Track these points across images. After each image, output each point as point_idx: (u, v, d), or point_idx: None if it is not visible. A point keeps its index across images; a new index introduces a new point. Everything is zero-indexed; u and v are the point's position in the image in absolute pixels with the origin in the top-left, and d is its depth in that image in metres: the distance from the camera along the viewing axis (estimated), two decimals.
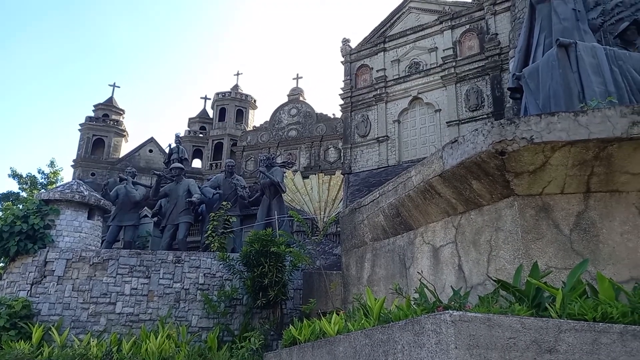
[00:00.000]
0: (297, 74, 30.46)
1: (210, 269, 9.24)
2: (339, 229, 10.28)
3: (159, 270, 9.05)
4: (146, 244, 13.50)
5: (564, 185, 3.52)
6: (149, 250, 11.26)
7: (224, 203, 11.07)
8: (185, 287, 8.98)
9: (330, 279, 7.87)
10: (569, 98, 5.22)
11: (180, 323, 8.57)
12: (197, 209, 11.62)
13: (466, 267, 4.07)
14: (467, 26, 14.14)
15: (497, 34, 13.33)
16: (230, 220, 11.20)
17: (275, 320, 8.28)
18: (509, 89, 8.21)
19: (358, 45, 16.42)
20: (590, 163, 3.35)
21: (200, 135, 32.65)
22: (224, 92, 32.20)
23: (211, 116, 32.87)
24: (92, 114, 31.64)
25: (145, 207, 14.27)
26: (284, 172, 13.44)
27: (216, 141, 30.69)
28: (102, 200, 10.36)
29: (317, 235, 10.72)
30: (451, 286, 3.97)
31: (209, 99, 33.94)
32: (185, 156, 17.13)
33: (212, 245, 10.12)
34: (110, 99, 32.59)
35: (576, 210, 3.49)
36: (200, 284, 9.06)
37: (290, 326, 5.03)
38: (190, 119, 33.95)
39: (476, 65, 13.50)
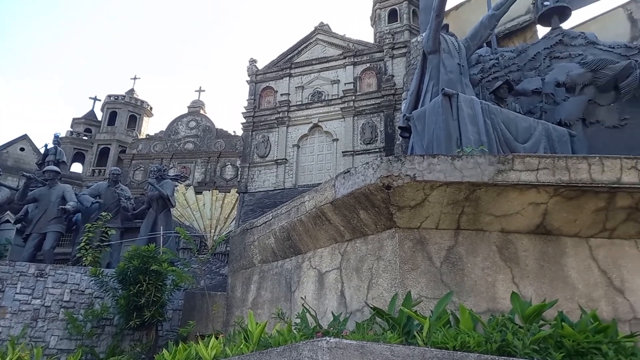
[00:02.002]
0: (200, 87, 29.84)
1: (79, 285, 8.36)
2: (228, 248, 10.03)
3: (16, 284, 7.96)
4: (4, 253, 11.83)
5: (439, 221, 3.83)
6: (7, 260, 9.87)
7: (104, 213, 10.18)
8: (46, 304, 7.99)
9: (213, 300, 7.59)
10: (449, 143, 5.77)
11: (35, 344, 7.57)
12: (71, 217, 10.53)
13: (348, 293, 4.20)
14: (368, 65, 15.08)
15: (393, 76, 14.40)
16: (109, 232, 10.32)
17: (149, 342, 7.72)
18: (399, 127, 8.86)
19: (265, 67, 16.57)
20: (462, 203, 3.70)
21: (85, 138, 29.98)
22: (117, 95, 30.13)
23: (100, 119, 30.41)
24: None
25: (8, 212, 12.56)
26: (176, 186, 12.83)
27: (102, 146, 28.41)
28: None
29: (205, 254, 10.33)
30: (332, 312, 4.06)
31: (99, 100, 31.47)
32: (63, 159, 15.54)
33: (85, 259, 9.19)
34: None
35: (447, 245, 3.81)
36: (65, 302, 8.14)
37: (164, 350, 4.72)
38: (74, 119, 31.07)
39: (373, 102, 14.39)
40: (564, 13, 10.35)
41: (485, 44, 9.45)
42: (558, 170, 3.51)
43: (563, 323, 2.71)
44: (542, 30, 11.32)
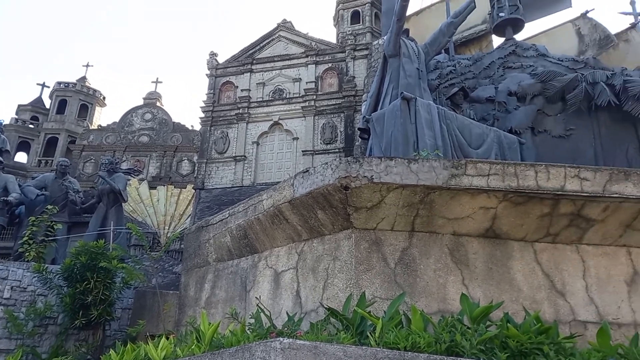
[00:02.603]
0: (157, 78, 28.93)
1: (20, 281, 7.90)
2: (182, 246, 9.80)
3: None
4: None
5: (394, 222, 3.91)
6: None
7: (50, 207, 9.68)
8: None
9: (165, 299, 7.39)
10: (406, 146, 5.89)
11: None
12: (14, 210, 9.95)
13: (303, 293, 4.21)
14: (330, 65, 15.15)
15: (354, 77, 14.54)
16: (55, 227, 9.83)
17: (95, 342, 7.42)
18: (359, 129, 8.96)
19: (225, 61, 16.29)
20: (417, 206, 3.79)
21: (31, 126, 28.39)
22: (68, 83, 28.73)
23: (48, 107, 28.90)
24: None
25: None
26: (128, 180, 12.40)
27: (50, 135, 27.03)
28: None
29: (158, 251, 10.04)
30: (287, 312, 4.05)
31: (48, 87, 29.87)
32: (7, 147, 14.63)
33: (28, 254, 8.71)
34: None
35: (402, 247, 3.90)
36: (5, 299, 7.67)
37: (111, 351, 4.54)
38: (20, 105, 29.36)
39: (334, 102, 14.47)
40: (518, 25, 10.81)
41: (443, 51, 9.72)
42: (507, 177, 3.67)
43: (508, 324, 2.83)
44: (497, 40, 11.78)
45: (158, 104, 27.05)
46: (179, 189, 19.02)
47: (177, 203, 18.15)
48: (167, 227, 17.08)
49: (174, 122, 25.81)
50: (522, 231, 3.91)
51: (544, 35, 12.36)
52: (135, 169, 16.93)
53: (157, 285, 7.78)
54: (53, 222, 9.71)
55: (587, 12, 12.20)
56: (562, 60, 9.13)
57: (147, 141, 24.93)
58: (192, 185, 16.19)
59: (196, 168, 16.15)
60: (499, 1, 11.04)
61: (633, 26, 12.11)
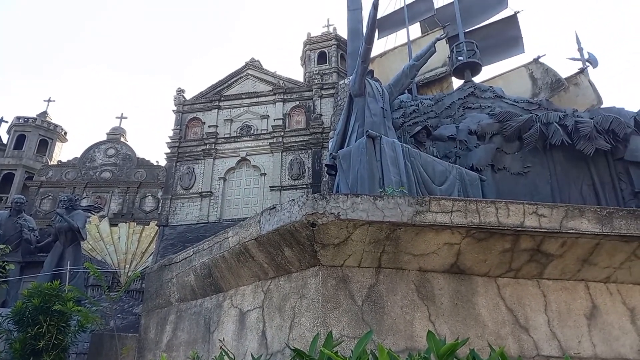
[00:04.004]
0: (122, 114, 28.45)
1: None
2: (144, 285, 9.42)
3: None
4: None
5: (361, 259, 3.91)
6: None
7: (2, 246, 9.18)
8: None
9: (123, 343, 7.02)
10: (372, 183, 5.99)
11: None
12: None
13: (269, 333, 4.09)
14: (297, 102, 15.42)
15: (321, 115, 14.81)
16: (7, 267, 9.28)
17: None
18: (326, 165, 9.07)
19: (193, 97, 16.31)
20: (383, 242, 3.82)
21: None
22: (27, 118, 27.88)
23: (5, 142, 27.84)
24: None
25: None
26: (88, 217, 11.96)
27: (6, 171, 25.92)
28: None
29: (117, 292, 9.60)
30: (252, 354, 3.92)
31: (6, 122, 28.87)
32: None
33: None
34: None
35: (369, 283, 3.89)
36: None
37: None
38: None
39: (301, 139, 14.63)
40: (476, 68, 11.40)
41: (406, 91, 10.09)
42: (469, 213, 3.76)
43: None
44: (457, 82, 12.36)
45: (122, 139, 26.55)
46: (142, 226, 18.44)
47: (139, 241, 17.55)
48: (128, 266, 16.41)
49: (138, 158, 25.30)
50: (486, 267, 3.98)
51: (500, 78, 13.06)
52: (96, 205, 16.38)
53: (116, 327, 7.40)
54: (5, 262, 9.17)
55: (539, 57, 13.02)
56: (517, 102, 9.64)
57: (110, 177, 24.26)
58: (156, 222, 15.75)
59: (160, 204, 15.78)
60: (457, 46, 11.67)
61: (581, 71, 12.99)
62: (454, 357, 2.83)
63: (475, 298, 3.93)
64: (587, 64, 12.74)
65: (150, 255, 16.00)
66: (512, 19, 13.61)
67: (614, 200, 7.86)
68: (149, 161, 25.40)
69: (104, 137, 26.49)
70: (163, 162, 18.56)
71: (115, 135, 26.49)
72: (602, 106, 11.32)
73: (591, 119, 8.26)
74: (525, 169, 8.36)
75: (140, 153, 26.14)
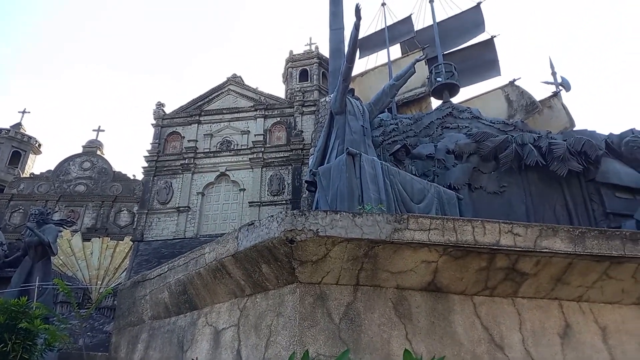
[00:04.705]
0: (99, 127, 27.98)
1: None
2: (116, 302, 9.16)
3: None
4: None
5: (339, 276, 3.88)
6: None
7: None
8: None
9: None
10: (351, 200, 6.00)
11: None
12: None
13: (244, 352, 4.01)
14: (278, 119, 15.46)
15: (302, 131, 14.87)
16: None
17: None
18: (306, 181, 9.06)
19: (173, 112, 16.20)
20: (361, 259, 3.81)
21: None
22: (0, 129, 27.22)
23: None
24: None
25: None
26: (60, 232, 11.62)
27: None
28: None
29: (88, 308, 9.29)
30: None
31: None
32: None
33: None
34: None
35: (346, 301, 3.85)
36: None
37: None
38: None
39: (282, 155, 14.64)
40: (454, 89, 11.67)
41: (386, 110, 10.24)
42: (447, 231, 3.79)
43: None
44: (435, 102, 12.62)
45: (99, 152, 26.07)
46: (116, 241, 18.00)
47: (112, 256, 17.10)
48: (99, 282, 15.94)
49: (114, 171, 24.84)
50: (462, 285, 4.00)
51: (477, 99, 13.40)
52: (68, 219, 15.94)
53: (84, 346, 7.15)
54: None
55: (514, 80, 13.42)
56: (494, 123, 9.88)
57: (84, 191, 23.70)
58: (130, 237, 15.41)
59: (136, 219, 15.46)
60: (436, 67, 11.94)
61: (555, 94, 13.43)
62: None
63: (452, 316, 3.94)
64: (561, 87, 13.19)
65: (123, 272, 15.59)
66: (489, 43, 14.04)
67: (586, 220, 8.07)
68: (125, 175, 24.95)
69: (79, 150, 25.97)
70: (140, 176, 18.24)
71: (92, 148, 26.00)
72: (575, 129, 11.70)
73: (564, 141, 8.51)
74: (501, 188, 8.53)
75: (116, 166, 25.69)
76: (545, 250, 3.85)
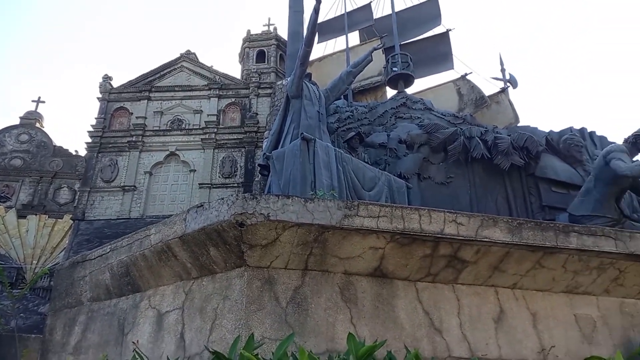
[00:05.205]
0: (39, 97, 26.15)
1: None
2: (52, 283, 8.75)
3: None
4: None
5: (288, 261, 3.90)
6: None
7: None
8: None
9: (25, 344, 6.47)
10: (304, 185, 6.00)
11: None
12: None
13: (188, 335, 3.95)
14: (233, 99, 15.14)
15: (257, 114, 14.66)
16: None
17: None
18: (259, 165, 8.97)
19: (121, 86, 15.46)
20: (311, 244, 3.84)
21: None
22: None
23: None
24: None
25: None
26: None
27: None
28: None
29: (21, 289, 8.81)
30: (168, 356, 3.76)
31: None
32: None
33: None
34: None
35: (294, 285, 3.88)
36: None
37: None
38: None
39: (235, 137, 14.38)
40: (409, 80, 11.87)
41: (342, 97, 10.28)
42: (395, 219, 3.89)
43: None
44: (390, 92, 12.81)
45: (38, 125, 24.49)
46: (55, 219, 17.10)
47: (50, 235, 16.26)
48: (35, 262, 15.14)
49: (55, 146, 23.42)
50: (407, 271, 4.13)
51: (430, 91, 13.74)
52: (2, 195, 14.94)
53: (17, 327, 6.79)
54: None
55: (466, 74, 13.86)
56: (444, 115, 10.17)
57: (21, 165, 22.22)
58: (71, 216, 14.68)
59: (77, 197, 14.74)
60: (393, 57, 12.09)
61: (503, 90, 14.00)
62: (372, 358, 2.91)
63: (395, 301, 4.06)
64: (508, 84, 13.76)
65: (61, 251, 14.89)
66: (444, 36, 14.38)
67: (524, 212, 8.53)
68: (67, 150, 23.60)
69: (17, 122, 24.27)
70: (83, 152, 17.32)
71: (30, 120, 24.34)
72: (519, 124, 12.29)
73: (508, 135, 8.91)
74: (448, 179, 8.83)
75: (58, 141, 24.19)
76: (485, 240, 4.04)
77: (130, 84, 15.46)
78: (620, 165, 5.92)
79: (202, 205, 3.99)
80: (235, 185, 13.63)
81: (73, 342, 5.22)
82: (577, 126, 9.61)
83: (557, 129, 9.53)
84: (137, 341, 4.05)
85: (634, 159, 6.42)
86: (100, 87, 15.22)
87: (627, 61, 53.26)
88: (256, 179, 12.98)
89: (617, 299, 4.71)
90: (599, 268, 4.45)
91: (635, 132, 6.44)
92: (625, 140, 6.52)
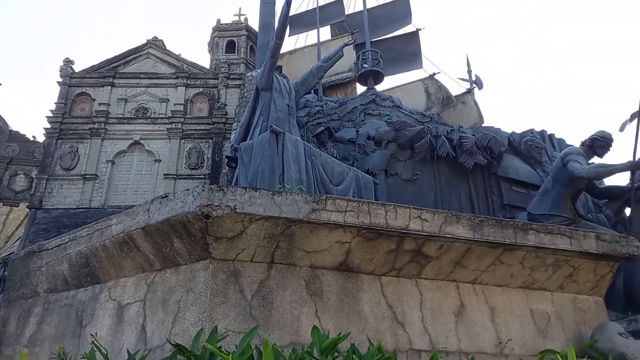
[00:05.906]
0: None
1: None
2: (6, 273, 8.37)
3: None
4: None
5: (254, 254, 3.88)
6: None
7: None
8: None
9: None
10: (272, 178, 5.98)
11: None
12: None
13: (150, 327, 3.88)
14: (201, 89, 14.85)
15: (226, 105, 14.45)
16: None
17: None
18: (227, 157, 8.87)
19: (83, 70, 14.89)
20: (278, 238, 3.83)
21: None
22: None
23: None
24: None
25: None
26: None
27: None
28: None
29: None
30: (128, 349, 3.68)
31: None
32: None
33: None
34: None
35: (260, 278, 3.87)
36: None
37: None
38: None
39: (203, 127, 14.13)
40: (378, 77, 11.99)
41: (312, 91, 10.27)
42: (362, 214, 3.93)
43: (354, 355, 2.97)
44: (360, 88, 12.90)
45: None
46: (9, 207, 16.35)
47: (4, 223, 15.55)
48: None
49: (10, 130, 22.34)
50: (372, 265, 4.19)
51: (399, 89, 13.92)
52: None
53: None
54: None
55: (434, 74, 14.11)
56: (412, 113, 10.34)
57: None
58: (27, 204, 14.08)
59: (34, 184, 14.14)
60: (363, 54, 12.17)
61: (469, 91, 14.35)
62: (335, 351, 2.95)
63: (360, 295, 4.12)
64: (474, 85, 14.11)
65: (16, 241, 14.27)
66: (414, 35, 14.58)
67: (486, 210, 8.80)
68: (24, 135, 22.51)
69: None
70: (41, 138, 16.61)
71: None
72: (483, 125, 12.65)
73: (473, 135, 9.15)
74: (414, 176, 9.00)
75: (14, 125, 23.06)
76: (448, 236, 4.14)
77: (93, 69, 14.93)
78: (576, 167, 6.18)
79: (166, 196, 3.91)
80: (202, 176, 13.42)
81: (28, 334, 5.03)
82: (538, 128, 9.99)
83: (519, 131, 9.87)
84: (96, 333, 3.95)
85: (590, 161, 6.73)
86: (60, 71, 14.61)
87: (588, 68, 55.63)
88: (223, 171, 12.82)
89: (570, 294, 4.94)
90: (554, 265, 4.65)
91: (592, 136, 6.75)
92: (582, 143, 6.83)
